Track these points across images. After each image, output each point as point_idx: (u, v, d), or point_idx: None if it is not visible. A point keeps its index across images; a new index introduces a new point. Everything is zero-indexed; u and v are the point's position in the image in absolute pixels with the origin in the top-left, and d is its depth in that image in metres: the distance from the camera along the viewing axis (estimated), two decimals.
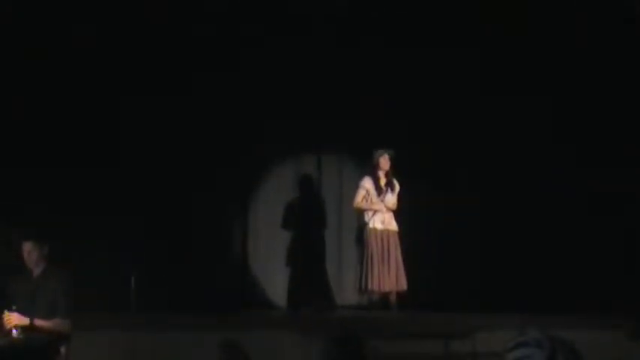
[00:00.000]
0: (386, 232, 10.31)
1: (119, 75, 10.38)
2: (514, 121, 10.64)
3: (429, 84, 10.87)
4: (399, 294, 10.28)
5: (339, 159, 11.48)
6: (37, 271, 7.85)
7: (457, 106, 10.82)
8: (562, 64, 10.55)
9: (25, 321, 7.58)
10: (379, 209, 10.32)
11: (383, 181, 10.42)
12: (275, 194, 11.21)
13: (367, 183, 10.37)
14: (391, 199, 10.37)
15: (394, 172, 10.40)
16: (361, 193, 10.36)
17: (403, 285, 10.24)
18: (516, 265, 10.46)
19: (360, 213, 10.47)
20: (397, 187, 10.41)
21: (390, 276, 10.20)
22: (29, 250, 7.79)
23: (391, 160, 10.37)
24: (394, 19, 10.80)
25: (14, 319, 7.58)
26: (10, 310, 7.60)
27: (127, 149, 10.52)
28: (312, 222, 10.98)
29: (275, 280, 11.05)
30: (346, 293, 10.96)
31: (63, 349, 7.72)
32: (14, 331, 7.58)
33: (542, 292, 10.02)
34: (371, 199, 10.37)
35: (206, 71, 10.73)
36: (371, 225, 10.32)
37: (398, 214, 10.39)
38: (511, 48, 10.69)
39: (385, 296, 10.33)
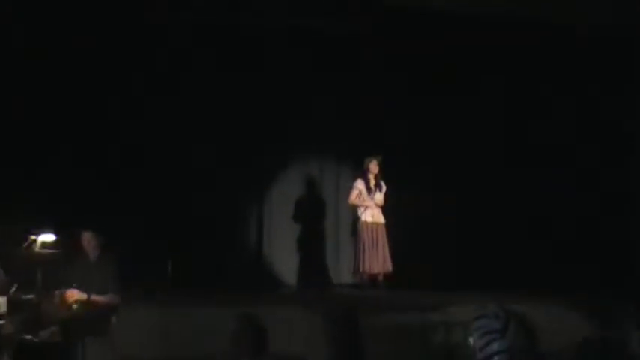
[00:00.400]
0: (375, 225, 10.69)
1: (129, 73, 9.91)
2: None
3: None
4: (385, 275, 10.65)
5: (338, 164, 11.71)
6: (93, 256, 8.08)
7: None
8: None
9: (83, 296, 7.79)
10: (369, 205, 10.70)
11: (373, 183, 10.81)
12: (285, 193, 11.43)
13: (359, 184, 10.79)
14: (379, 197, 10.76)
15: (382, 175, 10.76)
16: (355, 192, 10.75)
17: (389, 267, 10.63)
18: (485, 251, 10.79)
19: (354, 209, 10.85)
20: (384, 188, 10.83)
21: (378, 260, 10.58)
22: (89, 239, 8.05)
23: (379, 165, 10.77)
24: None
25: (75, 294, 7.79)
26: (71, 287, 7.80)
27: (152, 148, 10.20)
28: (316, 216, 11.40)
29: (286, 264, 11.25)
30: (342, 274, 11.34)
31: (114, 319, 7.95)
32: (74, 306, 7.77)
33: (502, 272, 10.17)
34: (363, 197, 10.73)
35: (220, 71, 10.40)
36: (363, 218, 10.71)
37: (385, 209, 10.75)
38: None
39: (374, 277, 10.70)
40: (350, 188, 10.84)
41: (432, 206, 10.95)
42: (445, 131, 11.03)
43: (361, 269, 10.61)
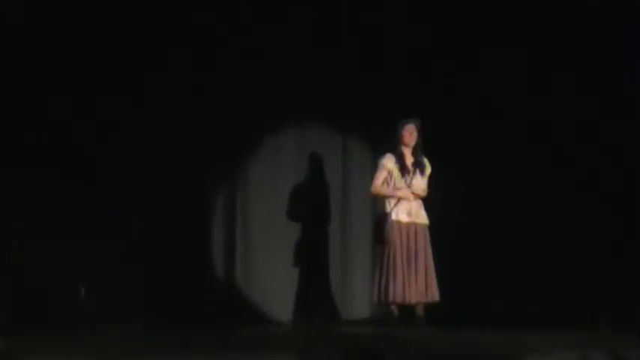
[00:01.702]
0: (413, 226, 7.01)
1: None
2: None
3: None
4: (428, 306, 7.02)
5: (343, 133, 8.13)
6: None
7: None
8: None
9: None
10: (404, 196, 7.03)
11: (410, 161, 7.11)
12: (265, 183, 8.04)
13: (389, 162, 7.09)
14: (421, 182, 7.09)
15: (423, 148, 7.13)
16: (382, 174, 7.09)
17: (434, 295, 6.99)
18: (577, 270, 7.47)
19: (380, 201, 7.19)
20: (428, 169, 7.16)
21: (417, 283, 6.95)
22: None
23: (419, 132, 7.08)
24: None
25: None
26: None
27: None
28: (313, 215, 7.99)
29: (270, 290, 7.95)
30: (356, 304, 8.01)
31: None
32: None
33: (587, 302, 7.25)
34: (394, 182, 7.07)
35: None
36: (394, 216, 7.02)
37: (428, 202, 7.13)
38: None
39: (410, 309, 7.03)
40: (362, 169, 7.65)
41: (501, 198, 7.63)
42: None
43: (390, 297, 6.93)
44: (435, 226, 7.04)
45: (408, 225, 6.94)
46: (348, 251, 8.00)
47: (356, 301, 7.90)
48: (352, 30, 7.95)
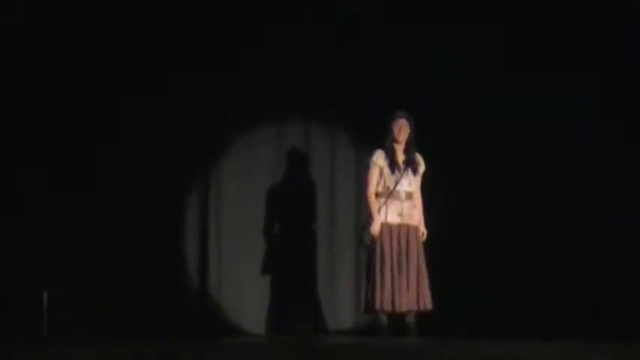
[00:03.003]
0: (404, 228, 6.44)
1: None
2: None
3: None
4: (420, 315, 6.44)
5: (332, 128, 7.52)
6: None
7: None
8: None
9: None
10: (395, 195, 6.46)
11: (401, 158, 6.50)
12: (244, 179, 7.43)
13: (380, 159, 6.52)
14: (413, 181, 6.52)
15: (416, 144, 6.56)
16: (374, 173, 6.52)
17: (427, 303, 6.42)
18: (580, 275, 6.91)
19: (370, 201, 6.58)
20: (422, 166, 6.60)
21: (409, 290, 6.37)
22: None
23: (411, 126, 6.51)
24: None
25: None
26: None
27: None
28: (297, 215, 7.41)
29: (247, 297, 7.33)
30: (343, 313, 7.41)
31: None
32: None
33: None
34: (384, 181, 6.48)
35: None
36: (383, 218, 6.44)
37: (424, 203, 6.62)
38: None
39: (401, 318, 6.45)
40: (358, 166, 6.95)
41: (500, 197, 7.05)
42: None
43: (378, 306, 6.35)
44: (428, 228, 6.50)
45: (399, 227, 6.37)
46: (334, 256, 7.41)
47: (343, 309, 7.33)
48: (331, 20, 7.43)
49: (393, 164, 6.42)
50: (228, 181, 7.39)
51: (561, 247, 6.96)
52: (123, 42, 7.25)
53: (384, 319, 6.43)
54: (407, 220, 6.39)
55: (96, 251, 6.91)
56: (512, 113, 7.10)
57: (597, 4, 7.06)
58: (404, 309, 6.32)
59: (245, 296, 7.26)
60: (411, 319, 6.38)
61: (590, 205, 6.93)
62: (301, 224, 7.38)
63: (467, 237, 7.03)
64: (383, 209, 6.39)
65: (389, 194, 6.38)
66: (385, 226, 6.37)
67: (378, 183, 6.45)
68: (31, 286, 6.85)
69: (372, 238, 6.36)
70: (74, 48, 7.19)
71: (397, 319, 6.44)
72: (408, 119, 6.46)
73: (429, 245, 6.49)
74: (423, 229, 6.48)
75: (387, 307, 6.30)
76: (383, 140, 6.49)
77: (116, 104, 7.21)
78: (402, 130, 6.44)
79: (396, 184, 6.39)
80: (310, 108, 7.42)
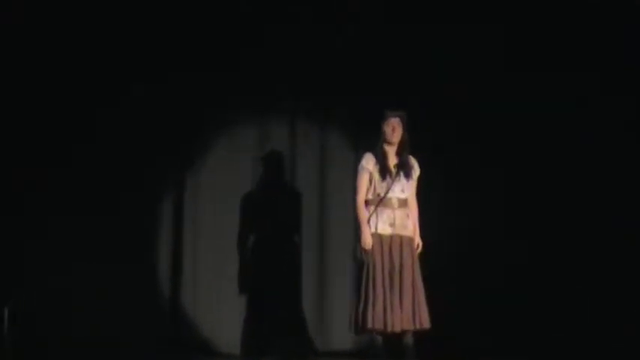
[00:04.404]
0: (397, 240, 5.83)
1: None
2: None
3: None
4: (418, 334, 5.83)
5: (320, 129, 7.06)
6: None
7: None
8: None
9: None
10: (386, 203, 5.86)
11: (393, 161, 5.93)
12: (219, 186, 7.01)
13: (369, 163, 5.94)
14: (406, 186, 5.92)
15: (410, 145, 6.02)
16: (364, 179, 5.93)
17: (424, 321, 5.80)
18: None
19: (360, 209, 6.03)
20: (417, 170, 6.01)
21: (403, 308, 5.75)
22: None
23: (404, 127, 5.94)
24: None
25: None
26: None
27: None
28: (280, 224, 6.91)
29: (226, 316, 6.87)
30: (333, 333, 6.84)
31: None
32: None
33: None
34: (374, 187, 5.91)
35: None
36: (373, 228, 5.84)
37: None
38: None
39: (396, 338, 5.83)
40: (350, 171, 6.28)
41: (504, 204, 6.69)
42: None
43: (368, 324, 5.75)
44: (424, 235, 5.94)
45: (391, 238, 5.76)
46: (326, 271, 6.89)
47: (335, 329, 6.75)
48: (331, 20, 7.11)
49: (384, 169, 5.83)
50: (206, 188, 6.95)
51: (561, 248, 6.66)
52: (122, 42, 7.07)
53: (379, 339, 5.82)
54: (400, 231, 5.78)
55: (67, 267, 6.56)
56: (513, 113, 6.82)
57: (597, 4, 6.81)
58: (397, 329, 5.69)
59: (220, 313, 6.79)
60: (408, 339, 5.76)
61: (590, 205, 6.66)
62: (285, 236, 6.86)
63: (466, 239, 6.61)
64: (373, 219, 5.78)
65: (379, 202, 5.79)
66: (375, 237, 5.76)
67: (368, 190, 5.86)
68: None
69: (364, 252, 5.80)
70: (74, 48, 7.02)
71: (394, 339, 5.81)
72: (401, 118, 5.87)
73: (425, 256, 5.90)
74: (418, 240, 5.87)
75: (379, 326, 5.68)
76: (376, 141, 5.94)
77: (116, 104, 6.95)
78: (395, 130, 5.85)
79: (388, 190, 5.79)
80: (310, 108, 7.04)
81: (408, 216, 5.84)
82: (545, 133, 6.85)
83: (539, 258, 6.71)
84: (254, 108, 6.99)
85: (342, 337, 6.65)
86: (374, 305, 5.69)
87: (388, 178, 5.81)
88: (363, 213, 5.82)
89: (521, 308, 6.60)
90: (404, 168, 5.85)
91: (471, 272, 6.63)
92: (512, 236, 6.73)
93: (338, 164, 6.91)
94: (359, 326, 5.77)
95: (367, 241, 5.76)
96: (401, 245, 5.77)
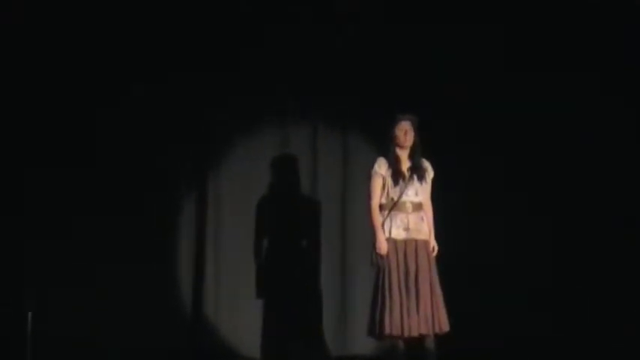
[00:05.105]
0: (412, 244, 5.78)
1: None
2: None
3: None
4: (440, 338, 5.80)
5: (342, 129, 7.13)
6: None
7: None
8: None
9: None
10: (400, 207, 5.82)
11: (406, 165, 5.89)
12: (245, 191, 7.04)
13: (382, 167, 5.90)
14: (420, 190, 5.87)
15: (423, 148, 6.00)
16: (377, 184, 5.87)
17: (443, 324, 5.76)
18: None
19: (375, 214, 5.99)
20: (430, 173, 5.97)
21: (420, 312, 5.70)
22: None
23: (416, 130, 5.91)
24: None
25: None
26: None
27: None
28: (300, 228, 6.94)
29: (244, 319, 6.89)
30: (354, 338, 6.83)
31: None
32: None
33: None
34: (387, 192, 5.86)
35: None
36: (387, 233, 5.81)
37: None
38: None
39: (416, 342, 5.80)
40: (365, 176, 6.05)
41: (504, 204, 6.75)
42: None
43: (386, 330, 5.70)
44: (441, 242, 5.93)
45: (406, 243, 5.72)
46: (347, 274, 6.93)
47: (356, 333, 6.67)
48: (331, 20, 7.12)
49: (396, 173, 5.80)
50: (227, 193, 7.00)
51: (561, 247, 6.69)
52: (122, 42, 7.05)
53: (400, 344, 5.79)
54: (414, 235, 5.74)
55: (84, 275, 6.62)
56: (513, 113, 6.82)
57: (597, 4, 6.81)
58: (415, 333, 5.65)
59: (241, 317, 6.83)
60: (430, 344, 5.73)
61: (590, 205, 6.71)
62: (304, 240, 6.91)
63: (466, 239, 6.57)
64: (387, 223, 5.75)
65: (393, 206, 5.76)
66: (390, 242, 5.72)
67: (382, 194, 5.82)
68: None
69: (379, 257, 5.76)
70: (74, 48, 7.02)
71: (415, 344, 5.77)
72: (412, 121, 5.84)
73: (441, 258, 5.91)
74: (433, 243, 5.84)
75: (397, 331, 5.63)
76: (384, 146, 5.90)
77: (116, 104, 6.98)
78: (407, 133, 5.82)
79: (401, 194, 5.76)
80: (310, 108, 7.06)
81: (422, 219, 5.81)
82: (546, 133, 6.85)
83: (539, 258, 6.71)
84: (270, 109, 7.07)
85: (363, 342, 6.50)
86: (391, 311, 5.65)
87: (401, 182, 5.78)
88: (377, 218, 5.79)
89: (521, 308, 6.60)
90: (417, 171, 5.82)
91: (470, 273, 6.62)
92: (512, 236, 6.72)
93: (359, 167, 6.79)
94: (375, 332, 5.73)
95: (382, 246, 5.73)
96: (416, 249, 5.73)
